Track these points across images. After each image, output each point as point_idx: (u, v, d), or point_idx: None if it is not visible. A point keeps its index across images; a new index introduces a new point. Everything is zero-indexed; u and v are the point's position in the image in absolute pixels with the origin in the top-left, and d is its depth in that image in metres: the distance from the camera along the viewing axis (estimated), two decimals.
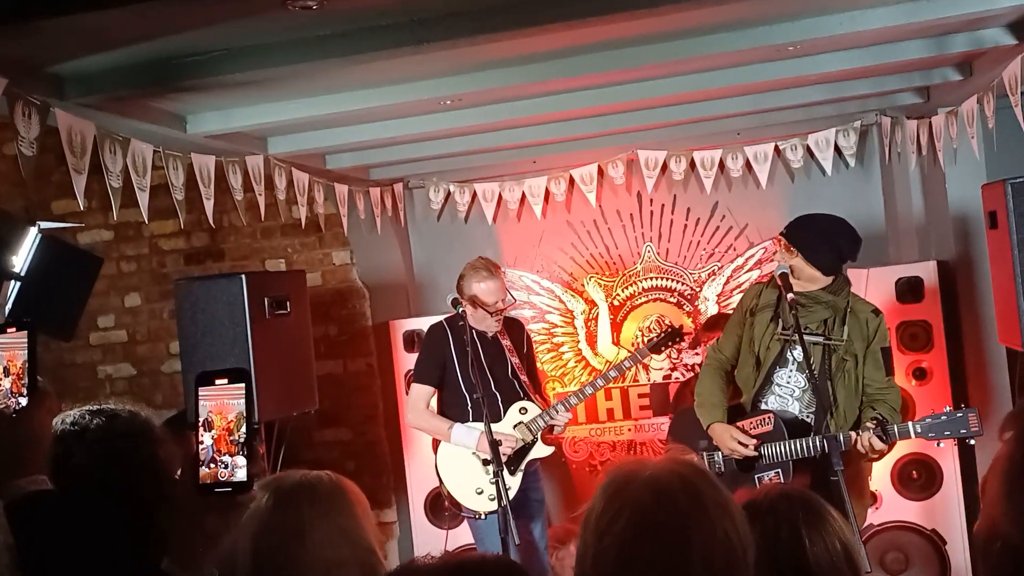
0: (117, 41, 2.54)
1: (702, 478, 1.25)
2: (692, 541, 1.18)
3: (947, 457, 4.33)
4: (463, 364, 3.87)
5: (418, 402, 4.08)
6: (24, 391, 1.62)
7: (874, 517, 4.36)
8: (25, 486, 1.57)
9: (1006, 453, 1.31)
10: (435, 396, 4.11)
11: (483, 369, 3.92)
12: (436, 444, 4.12)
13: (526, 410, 4.06)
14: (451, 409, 4.05)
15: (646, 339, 4.32)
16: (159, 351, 5.45)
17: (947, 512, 4.37)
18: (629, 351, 4.49)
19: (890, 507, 4.40)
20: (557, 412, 4.06)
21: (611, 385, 5.20)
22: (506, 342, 4.09)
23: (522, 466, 3.97)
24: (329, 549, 1.49)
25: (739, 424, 3.48)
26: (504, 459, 3.87)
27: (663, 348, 4.34)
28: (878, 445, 3.23)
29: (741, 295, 3.82)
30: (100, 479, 1.74)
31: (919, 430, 3.26)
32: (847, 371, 3.40)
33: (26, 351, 1.61)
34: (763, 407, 3.48)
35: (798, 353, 3.39)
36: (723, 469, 3.51)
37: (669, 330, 4.33)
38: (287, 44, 2.70)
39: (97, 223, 5.35)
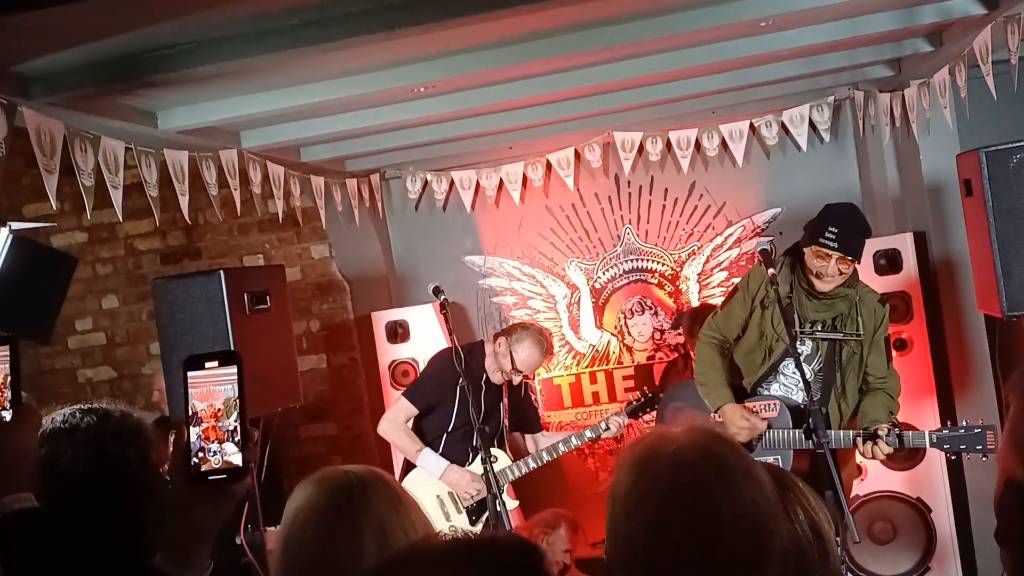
0: (82, 37, 2.49)
1: (727, 448, 1.24)
2: (722, 514, 1.18)
3: (930, 426, 4.36)
4: (463, 403, 3.85)
5: (399, 415, 4.06)
6: (7, 405, 1.58)
7: (860, 488, 4.41)
8: (9, 504, 1.53)
9: (1014, 410, 1.33)
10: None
11: (479, 413, 3.90)
12: (400, 478, 4.11)
13: (496, 459, 4.05)
14: (425, 435, 4.06)
15: (626, 404, 4.21)
16: (139, 353, 5.40)
17: (931, 481, 4.42)
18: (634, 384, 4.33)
19: (876, 477, 4.44)
20: (526, 466, 4.08)
21: (596, 368, 5.23)
22: (504, 387, 4.12)
23: (483, 518, 3.86)
24: (396, 546, 1.46)
25: (745, 404, 3.49)
26: (466, 506, 3.92)
27: (641, 413, 4.20)
28: (885, 451, 3.26)
29: (728, 272, 3.82)
30: (90, 479, 1.71)
31: (934, 440, 3.29)
32: (856, 363, 3.43)
33: (8, 364, 1.57)
34: (766, 393, 3.49)
35: (807, 346, 3.40)
36: None
37: (649, 395, 4.18)
38: (256, 35, 2.67)
39: (70, 225, 5.28)
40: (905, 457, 4.46)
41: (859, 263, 3.36)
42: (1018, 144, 3.21)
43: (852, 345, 3.41)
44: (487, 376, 4.02)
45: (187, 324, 3.52)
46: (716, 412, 3.50)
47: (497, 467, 4.01)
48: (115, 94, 3.01)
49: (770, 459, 3.38)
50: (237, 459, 1.23)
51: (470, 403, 3.76)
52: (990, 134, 3.80)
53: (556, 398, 5.24)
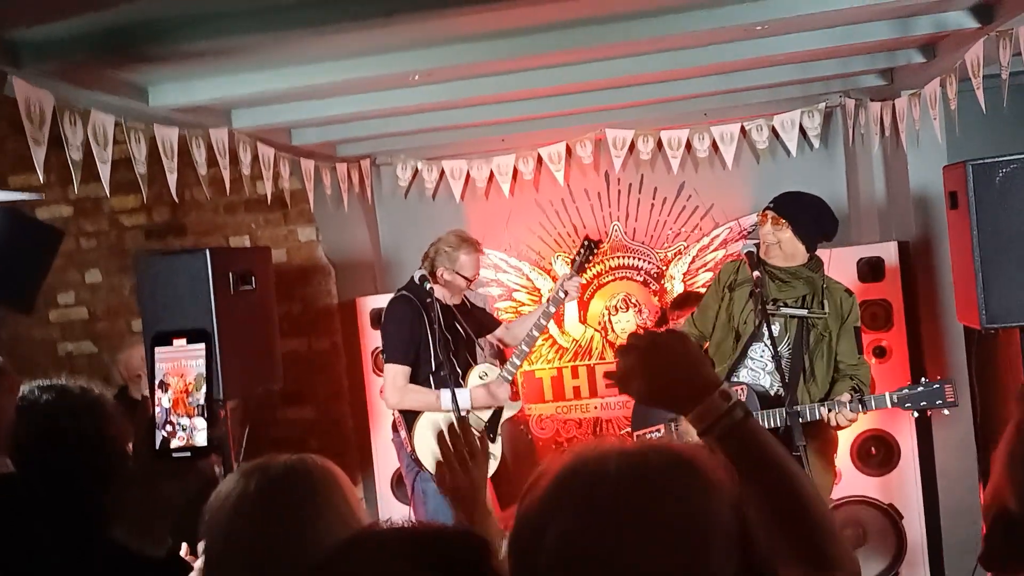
0: (77, 7, 2.47)
1: (649, 493, 1.00)
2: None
3: (905, 434, 4.43)
4: (434, 339, 3.89)
5: (398, 380, 4.06)
6: None
7: (833, 492, 4.45)
8: None
9: (1014, 426, 1.34)
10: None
11: (446, 341, 3.95)
12: (411, 426, 4.11)
13: (486, 374, 4.11)
14: (414, 382, 4.08)
15: (571, 261, 4.25)
16: (120, 328, 5.37)
17: (904, 487, 4.47)
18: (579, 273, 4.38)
19: (849, 482, 4.49)
20: (513, 365, 4.17)
21: (578, 363, 5.24)
22: (457, 304, 4.20)
23: (499, 430, 4.04)
24: (330, 537, 1.43)
25: None
26: (484, 424, 3.96)
27: (587, 265, 4.28)
28: (849, 416, 3.33)
29: (712, 273, 3.91)
30: (42, 455, 1.72)
31: (895, 400, 3.36)
32: (824, 347, 3.47)
33: None
34: (735, 380, 3.55)
35: (775, 328, 3.45)
36: None
37: (587, 243, 4.22)
38: (251, 13, 2.65)
39: (56, 198, 5.24)
40: (879, 463, 4.51)
41: (791, 228, 3.45)
42: (1004, 159, 3.23)
43: (819, 328, 3.47)
44: (442, 303, 4.08)
45: (169, 301, 3.49)
46: None
47: (489, 380, 4.13)
48: (107, 67, 2.98)
49: None
50: (202, 437, 1.22)
51: (439, 336, 3.85)
52: (978, 148, 3.83)
53: (537, 391, 5.26)
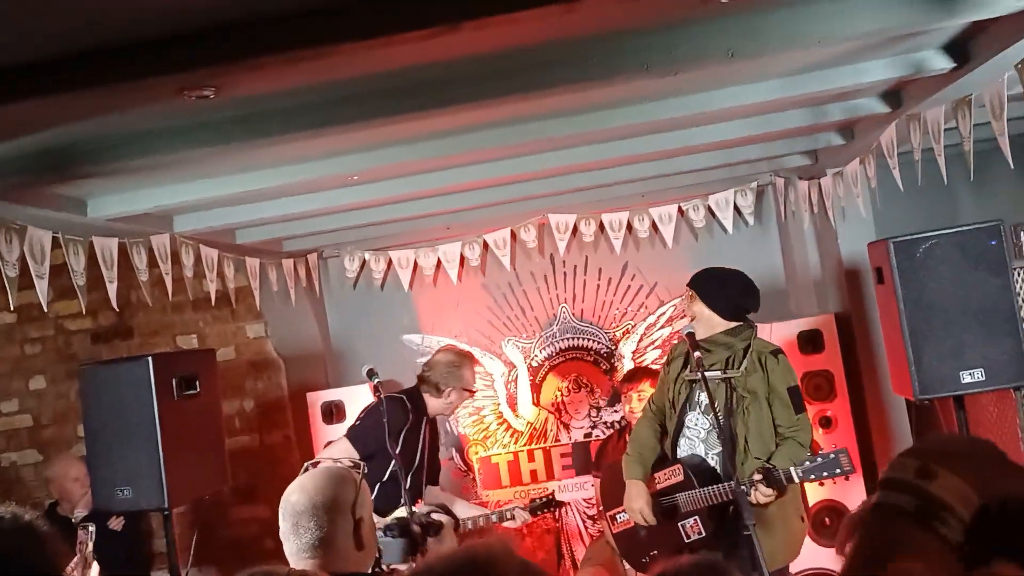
0: (13, 132, 2.50)
1: None
2: None
3: (856, 503, 4.46)
4: (405, 447, 3.81)
5: (343, 460, 3.97)
6: None
7: (791, 566, 4.45)
8: None
9: (845, 566, 1.32)
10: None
11: (421, 455, 3.91)
12: None
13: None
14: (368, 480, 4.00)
15: (530, 501, 4.29)
16: (67, 434, 5.26)
17: None
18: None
19: (806, 554, 4.48)
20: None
21: (534, 446, 5.24)
22: (426, 428, 4.11)
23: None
24: None
25: (654, 476, 3.60)
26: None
27: (540, 512, 4.32)
28: (767, 494, 3.34)
29: (661, 350, 3.99)
30: None
31: (800, 475, 3.39)
32: (747, 408, 3.50)
33: None
34: (678, 450, 3.62)
35: (702, 396, 3.53)
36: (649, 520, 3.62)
37: (548, 500, 4.30)
38: (186, 129, 2.71)
39: None
40: (834, 533, 4.53)
41: (700, 300, 3.63)
42: (924, 235, 3.37)
43: (740, 389, 3.51)
44: (427, 418, 4.02)
45: (113, 410, 3.47)
46: (626, 481, 3.67)
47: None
48: (44, 183, 3.01)
49: (691, 521, 3.48)
50: None
51: (407, 450, 3.76)
52: (902, 218, 4.00)
53: (494, 477, 5.23)
